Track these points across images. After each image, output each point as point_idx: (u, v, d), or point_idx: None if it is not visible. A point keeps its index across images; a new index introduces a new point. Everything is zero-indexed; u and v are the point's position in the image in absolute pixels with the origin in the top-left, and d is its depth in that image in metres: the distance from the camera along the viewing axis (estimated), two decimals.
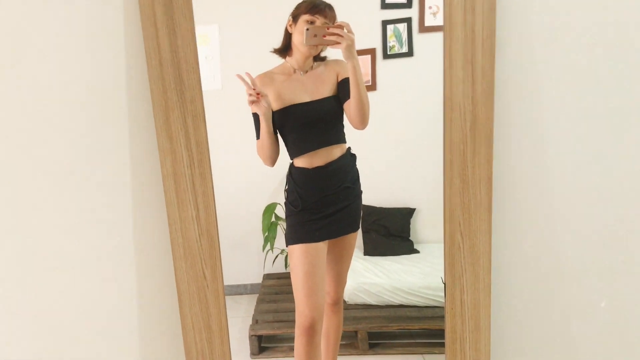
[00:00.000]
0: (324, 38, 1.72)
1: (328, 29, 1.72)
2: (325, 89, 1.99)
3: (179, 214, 1.37)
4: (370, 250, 3.11)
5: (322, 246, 2.16)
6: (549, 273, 1.94)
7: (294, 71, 1.99)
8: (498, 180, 1.77)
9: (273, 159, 2.05)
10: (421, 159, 3.15)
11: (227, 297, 3.71)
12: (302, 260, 2.08)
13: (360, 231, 3.19)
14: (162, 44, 1.21)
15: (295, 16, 1.90)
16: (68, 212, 1.49)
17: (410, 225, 3.17)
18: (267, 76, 1.99)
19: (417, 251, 3.11)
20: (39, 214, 1.48)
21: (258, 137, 1.99)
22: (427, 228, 3.20)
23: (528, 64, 1.73)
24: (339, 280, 2.43)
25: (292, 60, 2.00)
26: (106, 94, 1.39)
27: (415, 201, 3.18)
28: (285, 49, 2.01)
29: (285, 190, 2.12)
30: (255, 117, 1.96)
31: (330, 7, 1.85)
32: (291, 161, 2.05)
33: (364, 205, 3.23)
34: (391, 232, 3.16)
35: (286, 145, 2.04)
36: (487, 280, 1.59)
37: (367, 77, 3.18)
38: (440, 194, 3.21)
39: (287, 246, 2.16)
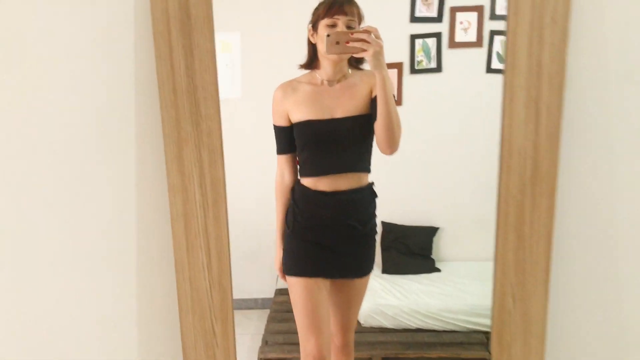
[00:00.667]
0: (348, 45, 1.49)
1: (352, 34, 1.49)
2: (355, 105, 1.72)
3: (188, 260, 1.15)
4: (389, 268, 2.91)
5: (322, 282, 1.89)
6: (615, 348, 1.62)
7: (322, 82, 1.75)
8: (559, 239, 1.46)
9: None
10: (446, 176, 2.97)
11: (236, 312, 3.50)
12: (301, 296, 1.86)
13: (379, 248, 3.02)
14: (176, 67, 0.98)
15: (314, 23, 1.69)
16: (68, 252, 1.25)
17: (433, 243, 3.00)
18: (291, 85, 1.75)
19: (438, 270, 2.91)
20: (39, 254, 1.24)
21: (279, 151, 1.81)
22: (451, 246, 3.07)
23: (601, 106, 1.41)
24: (347, 326, 2.11)
25: (322, 72, 1.75)
26: (112, 122, 1.16)
27: (439, 219, 3.00)
28: (311, 63, 1.77)
29: (288, 207, 1.87)
30: (278, 129, 1.76)
31: (350, 2, 1.61)
32: (299, 179, 1.83)
33: (384, 223, 3.04)
34: (412, 251, 2.96)
35: (298, 159, 1.81)
36: (541, 352, 1.33)
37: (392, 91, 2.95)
38: (466, 213, 3.08)
39: (284, 275, 1.94)
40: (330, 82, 1.74)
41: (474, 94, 2.90)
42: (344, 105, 1.72)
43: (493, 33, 2.83)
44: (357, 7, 1.63)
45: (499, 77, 2.90)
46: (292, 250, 1.88)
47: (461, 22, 2.80)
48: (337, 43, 1.48)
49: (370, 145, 1.76)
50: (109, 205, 1.21)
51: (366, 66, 1.82)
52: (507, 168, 1.25)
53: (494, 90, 2.93)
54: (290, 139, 1.76)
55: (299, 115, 1.72)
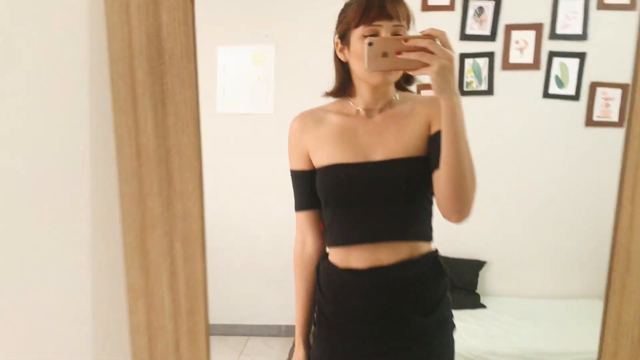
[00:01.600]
0: (400, 58, 0.94)
1: (406, 40, 0.94)
2: (404, 144, 1.11)
3: None
4: None
5: None
6: None
7: (357, 112, 1.15)
8: None
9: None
10: (496, 207, 2.69)
11: (257, 339, 3.30)
12: None
13: None
14: (142, 123, 0.67)
15: (343, 34, 1.10)
16: None
17: (479, 277, 2.68)
18: (313, 116, 1.19)
19: (483, 306, 2.62)
20: None
21: (299, 206, 1.23)
22: (498, 281, 2.84)
23: None
24: None
25: (358, 100, 1.15)
26: (55, 199, 0.75)
27: (486, 253, 2.74)
28: (343, 89, 1.17)
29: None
30: (296, 175, 1.21)
31: (397, 3, 1.05)
32: (327, 249, 1.23)
33: None
34: (455, 285, 2.68)
35: (324, 223, 1.22)
36: None
37: None
38: (516, 247, 2.81)
39: None
40: (369, 112, 1.15)
41: (528, 121, 2.58)
42: (387, 143, 1.12)
43: (552, 54, 2.50)
44: (406, 6, 1.07)
45: (556, 103, 2.61)
46: (319, 358, 1.24)
47: (517, 42, 2.48)
48: (384, 55, 0.95)
49: (429, 201, 1.14)
50: (50, 313, 0.82)
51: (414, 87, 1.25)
52: (620, 287, 0.80)
53: (550, 117, 2.64)
54: (314, 188, 1.18)
55: (322, 157, 1.15)
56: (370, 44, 0.96)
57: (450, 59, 0.93)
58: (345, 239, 1.16)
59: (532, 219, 2.75)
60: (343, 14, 1.12)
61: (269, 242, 2.99)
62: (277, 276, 2.79)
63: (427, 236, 1.17)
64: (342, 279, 1.16)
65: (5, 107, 0.72)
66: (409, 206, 1.12)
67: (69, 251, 0.74)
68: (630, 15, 2.48)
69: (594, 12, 2.51)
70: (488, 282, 2.85)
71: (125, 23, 0.63)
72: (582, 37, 2.51)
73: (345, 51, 1.12)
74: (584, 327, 2.41)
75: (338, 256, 1.17)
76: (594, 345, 2.29)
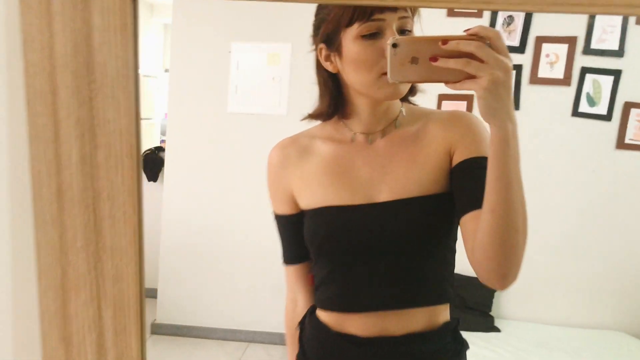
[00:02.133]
0: (436, 65, 0.68)
1: (445, 42, 0.67)
2: (420, 178, 0.85)
3: None
4: None
5: None
6: None
7: (353, 138, 0.90)
8: None
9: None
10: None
11: (257, 345, 3.17)
12: None
13: None
14: (65, 159, 0.52)
15: (329, 36, 0.83)
16: None
17: (494, 299, 2.52)
18: (296, 146, 0.94)
19: (497, 329, 2.45)
20: None
21: (288, 259, 0.99)
22: (515, 303, 2.66)
23: None
24: None
25: (354, 121, 0.90)
26: None
27: None
28: (333, 109, 0.90)
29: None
30: (281, 221, 0.96)
31: None
32: (313, 305, 0.98)
33: None
34: (468, 305, 2.52)
35: (314, 278, 0.96)
36: None
37: None
38: (536, 270, 2.62)
39: None
40: (370, 136, 0.90)
41: (556, 140, 2.39)
42: (396, 178, 0.86)
43: (585, 70, 2.30)
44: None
45: (586, 122, 2.41)
46: None
47: (547, 55, 2.29)
48: (413, 61, 0.70)
49: (451, 251, 0.90)
50: None
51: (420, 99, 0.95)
52: None
53: (579, 136, 2.44)
54: (302, 237, 0.94)
55: (311, 198, 0.90)
56: (394, 45, 0.69)
57: (506, 70, 0.66)
58: (341, 304, 0.90)
59: (555, 242, 2.57)
60: (324, 10, 0.84)
61: (274, 246, 2.85)
62: (281, 282, 2.65)
63: (448, 298, 0.91)
64: (336, 346, 0.90)
65: None
66: (426, 261, 0.86)
67: None
68: None
69: (632, 27, 2.30)
70: (504, 305, 2.68)
71: (46, 27, 0.47)
72: (619, 53, 2.31)
73: (335, 59, 0.84)
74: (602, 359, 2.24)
75: (332, 318, 0.91)
76: None
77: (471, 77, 0.67)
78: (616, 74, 2.33)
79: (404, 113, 0.91)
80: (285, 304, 1.03)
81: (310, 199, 0.89)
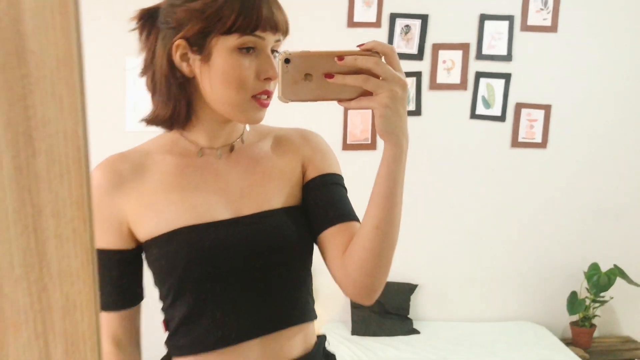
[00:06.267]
0: (330, 82, 0.65)
1: (340, 58, 0.64)
2: (272, 193, 0.82)
3: None
4: (360, 329, 2.49)
5: None
6: None
7: (200, 151, 0.81)
8: None
9: None
10: (425, 229, 2.61)
11: None
12: None
13: (348, 306, 2.56)
14: None
15: (199, 38, 0.73)
16: None
17: (410, 302, 2.57)
18: (129, 163, 0.80)
19: (417, 331, 2.49)
20: None
21: (110, 305, 0.80)
22: (430, 305, 2.72)
23: None
24: None
25: (196, 133, 0.81)
26: None
27: (417, 276, 2.63)
28: (175, 118, 0.78)
29: None
30: (106, 258, 0.79)
31: (283, 14, 0.75)
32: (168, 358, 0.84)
33: None
34: (387, 310, 2.55)
35: (165, 322, 0.84)
36: None
37: (364, 134, 2.49)
38: (448, 270, 2.70)
39: None
40: (218, 151, 0.82)
41: (456, 142, 2.51)
42: (256, 192, 0.81)
43: (479, 75, 2.44)
44: (287, 20, 0.77)
45: (483, 124, 2.56)
46: None
47: (444, 61, 2.40)
48: (307, 78, 0.65)
49: (309, 268, 0.86)
50: None
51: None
52: None
53: (478, 137, 2.58)
54: (134, 276, 0.82)
55: (158, 221, 0.77)
56: (287, 60, 0.65)
57: (403, 86, 0.65)
58: (216, 341, 0.77)
59: (462, 241, 2.69)
60: (195, 3, 0.72)
61: None
62: None
63: (315, 313, 0.87)
64: None
65: None
66: (295, 275, 0.82)
67: None
68: (552, 37, 2.47)
69: (518, 34, 2.48)
70: (420, 307, 2.75)
71: None
72: (508, 57, 2.48)
73: (195, 62, 0.74)
74: (518, 351, 2.35)
75: None
76: None
77: (367, 93, 0.66)
78: (507, 77, 2.49)
79: (248, 129, 0.87)
80: (103, 353, 0.77)
81: (158, 223, 0.77)
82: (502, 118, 2.54)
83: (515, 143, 2.57)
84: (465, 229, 2.67)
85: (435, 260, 2.71)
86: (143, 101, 2.84)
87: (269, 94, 0.76)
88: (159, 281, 0.79)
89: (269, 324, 0.79)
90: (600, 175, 2.54)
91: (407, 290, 2.69)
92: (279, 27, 0.74)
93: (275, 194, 0.82)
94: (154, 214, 0.77)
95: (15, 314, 0.43)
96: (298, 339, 0.82)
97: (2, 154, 0.40)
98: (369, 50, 0.65)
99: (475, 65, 2.50)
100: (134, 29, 0.77)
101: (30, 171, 0.41)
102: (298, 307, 0.83)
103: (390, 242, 0.73)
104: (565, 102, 2.53)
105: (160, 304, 0.83)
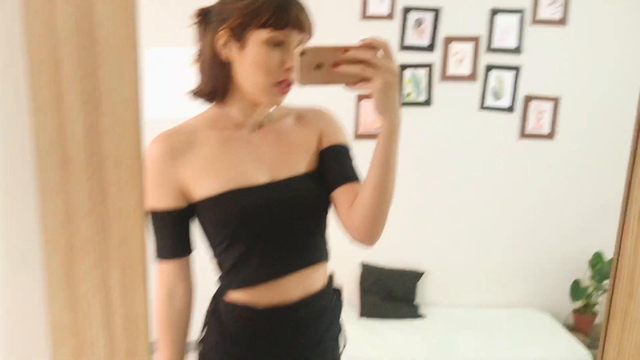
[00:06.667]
0: (337, 71, 0.81)
1: (345, 51, 0.81)
2: (297, 161, 1.01)
3: None
4: (368, 311, 2.59)
5: None
6: None
7: (236, 125, 0.99)
8: None
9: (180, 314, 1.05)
10: (433, 218, 2.71)
11: None
12: None
13: (357, 290, 2.67)
14: (69, 127, 0.55)
15: (239, 29, 0.90)
16: None
17: (417, 288, 2.68)
18: (181, 137, 0.96)
19: (422, 316, 2.58)
20: None
21: (167, 254, 1.01)
22: (436, 291, 2.82)
23: None
24: None
25: (232, 109, 0.99)
26: None
27: (424, 263, 2.73)
28: (214, 92, 0.98)
29: (199, 341, 1.06)
30: (163, 217, 0.97)
31: (305, 11, 0.92)
32: (220, 292, 1.04)
33: (364, 264, 2.70)
34: (394, 295, 2.65)
35: (218, 264, 1.03)
36: None
37: (375, 124, 2.59)
38: (454, 258, 2.81)
39: None
40: (249, 127, 1.01)
41: (465, 132, 2.59)
42: (287, 159, 1.01)
43: (489, 67, 2.52)
44: (311, 22, 0.94)
45: (492, 115, 2.64)
46: None
47: (455, 53, 2.48)
48: (318, 67, 0.82)
49: (326, 221, 1.06)
50: None
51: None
52: (622, 314, 0.71)
53: (486, 129, 2.67)
54: (186, 230, 1.00)
55: (211, 185, 0.95)
56: (302, 53, 0.81)
57: (394, 74, 0.82)
58: (258, 276, 0.98)
59: (469, 230, 2.77)
60: (240, 2, 0.90)
61: None
62: None
63: (328, 256, 1.09)
64: (263, 319, 1.00)
65: None
66: (316, 228, 1.05)
67: None
68: (562, 30, 2.54)
69: (528, 27, 2.55)
70: (427, 293, 2.85)
71: (47, 2, 0.51)
72: (517, 50, 2.55)
73: (233, 49, 0.92)
74: (520, 336, 2.45)
75: (247, 296, 1.00)
76: (531, 353, 2.29)
77: (366, 80, 0.82)
78: (516, 69, 2.58)
79: (273, 109, 1.05)
80: (157, 299, 1.04)
81: (212, 186, 0.95)
82: (510, 109, 2.62)
83: (524, 134, 2.65)
84: (472, 218, 2.76)
85: (442, 249, 2.80)
86: (159, 90, 2.92)
87: (289, 83, 0.93)
88: (212, 234, 0.99)
89: (300, 262, 1.00)
90: (606, 167, 2.61)
91: (414, 277, 2.79)
92: (304, 29, 0.91)
93: (300, 161, 1.01)
94: (207, 179, 0.95)
95: (83, 243, 0.54)
96: (319, 274, 1.04)
97: (77, 115, 0.52)
98: (368, 45, 0.82)
99: (486, 58, 2.58)
100: (193, 24, 0.96)
101: (98, 129, 0.52)
102: (320, 249, 1.05)
103: (386, 198, 0.92)
104: (574, 94, 2.60)
105: (208, 253, 1.04)
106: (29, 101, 0.52)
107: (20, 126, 0.54)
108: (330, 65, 0.82)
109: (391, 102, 0.83)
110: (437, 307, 2.83)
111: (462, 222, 2.76)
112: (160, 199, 0.97)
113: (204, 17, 0.96)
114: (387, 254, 2.80)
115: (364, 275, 2.77)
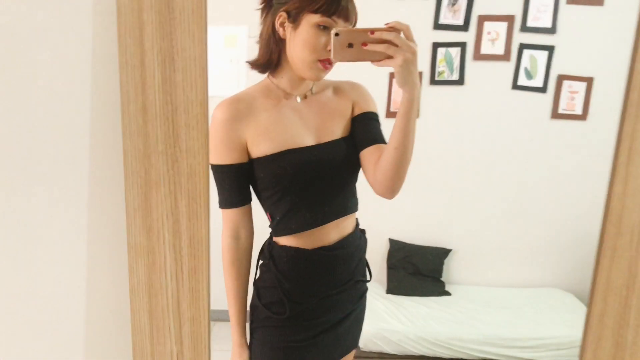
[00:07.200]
0: (365, 49, 0.97)
1: (372, 32, 0.97)
2: (335, 127, 1.21)
3: (152, 349, 0.76)
4: (394, 288, 2.70)
5: None
6: None
7: (285, 95, 1.19)
8: None
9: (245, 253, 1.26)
10: (463, 196, 2.77)
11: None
12: None
13: (384, 266, 2.77)
14: (149, 79, 0.68)
15: (294, 11, 1.09)
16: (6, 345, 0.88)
17: (444, 265, 2.75)
18: (243, 103, 1.16)
19: (448, 293, 2.70)
20: None
21: (232, 203, 1.19)
22: (463, 269, 2.90)
23: None
24: None
25: (283, 81, 1.19)
26: (55, 152, 0.74)
27: (452, 241, 2.81)
28: (269, 64, 1.19)
29: (255, 282, 1.28)
30: (226, 171, 1.15)
31: (354, 8, 1.11)
32: (272, 238, 1.25)
33: (392, 240, 2.80)
34: (421, 272, 2.74)
35: (270, 214, 1.22)
36: None
37: None
38: (482, 236, 2.90)
39: None
40: (298, 97, 1.22)
41: (497, 112, 2.64)
42: (324, 125, 1.21)
43: (523, 47, 2.56)
44: (357, 13, 1.13)
45: (525, 95, 2.69)
46: (276, 347, 1.24)
47: (489, 33, 2.52)
48: (350, 46, 0.98)
49: (358, 173, 1.28)
50: (46, 272, 0.81)
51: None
52: (611, 250, 0.81)
53: (518, 109, 2.71)
54: (247, 183, 1.19)
55: (269, 144, 1.13)
56: (337, 34, 0.99)
57: (414, 53, 1.00)
58: (306, 223, 1.20)
59: (497, 209, 2.83)
60: None
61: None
62: None
63: (357, 207, 1.32)
64: (313, 259, 1.21)
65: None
66: (351, 183, 1.26)
67: (68, 208, 0.74)
68: (598, 11, 2.56)
69: (563, 7, 2.58)
70: (453, 271, 2.92)
71: None
72: (552, 30, 2.59)
73: (288, 28, 1.13)
74: (544, 315, 2.52)
75: (297, 240, 1.21)
76: (553, 331, 2.38)
77: (390, 57, 1.00)
78: (550, 49, 2.61)
79: (315, 82, 1.24)
80: (224, 242, 1.23)
81: (270, 145, 1.15)
82: (543, 89, 2.66)
83: (556, 114, 2.69)
84: (501, 197, 2.81)
85: (470, 227, 2.87)
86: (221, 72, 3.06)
87: (330, 61, 1.12)
88: (266, 187, 1.19)
89: (339, 212, 1.23)
90: None
91: (441, 254, 2.87)
92: (350, 18, 1.11)
93: (338, 127, 1.22)
94: (264, 140, 1.15)
95: (157, 177, 0.66)
96: (351, 221, 1.28)
97: (155, 69, 0.64)
98: (392, 27, 1.00)
99: (520, 37, 2.62)
100: (258, 9, 1.16)
101: (172, 81, 0.64)
102: (352, 201, 1.27)
103: (405, 158, 1.11)
104: (608, 75, 2.63)
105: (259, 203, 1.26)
106: (118, 57, 0.64)
107: (110, 77, 0.66)
108: (360, 45, 0.99)
109: (410, 76, 1.01)
110: (462, 285, 2.91)
111: (491, 201, 2.82)
112: (226, 155, 1.14)
113: (269, 1, 1.16)
114: (416, 230, 2.89)
115: (392, 252, 2.86)
